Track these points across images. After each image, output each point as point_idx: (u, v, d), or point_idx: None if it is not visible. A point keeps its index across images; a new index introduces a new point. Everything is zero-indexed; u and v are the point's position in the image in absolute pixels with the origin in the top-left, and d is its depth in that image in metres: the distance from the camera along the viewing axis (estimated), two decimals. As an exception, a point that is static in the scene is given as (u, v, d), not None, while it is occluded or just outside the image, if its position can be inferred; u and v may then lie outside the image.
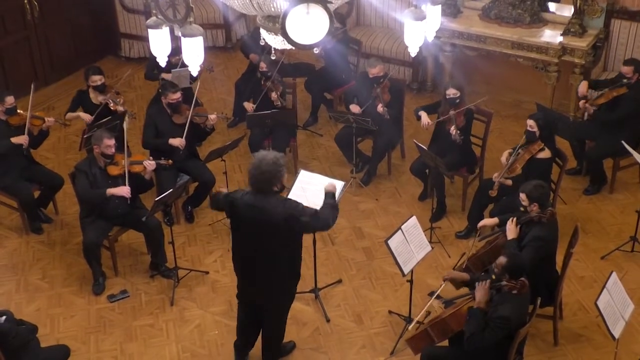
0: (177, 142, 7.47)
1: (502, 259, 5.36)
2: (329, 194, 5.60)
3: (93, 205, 6.82)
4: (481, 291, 5.31)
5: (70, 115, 7.89)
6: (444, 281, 5.94)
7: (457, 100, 7.45)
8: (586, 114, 7.88)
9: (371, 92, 7.99)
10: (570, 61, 8.73)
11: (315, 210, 5.45)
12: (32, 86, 7.53)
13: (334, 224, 5.55)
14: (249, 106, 8.24)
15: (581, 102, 7.76)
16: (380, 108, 7.86)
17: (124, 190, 6.76)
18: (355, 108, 8.05)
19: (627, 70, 7.62)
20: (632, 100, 7.58)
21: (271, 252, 5.49)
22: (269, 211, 5.33)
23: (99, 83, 7.80)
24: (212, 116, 7.63)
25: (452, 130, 7.31)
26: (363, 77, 8.22)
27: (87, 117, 7.74)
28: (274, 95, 8.09)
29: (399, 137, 8.40)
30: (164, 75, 8.19)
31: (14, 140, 7.29)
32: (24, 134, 7.33)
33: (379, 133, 8.00)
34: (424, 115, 7.69)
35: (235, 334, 6.15)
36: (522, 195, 6.00)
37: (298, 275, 5.81)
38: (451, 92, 7.45)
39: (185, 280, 6.99)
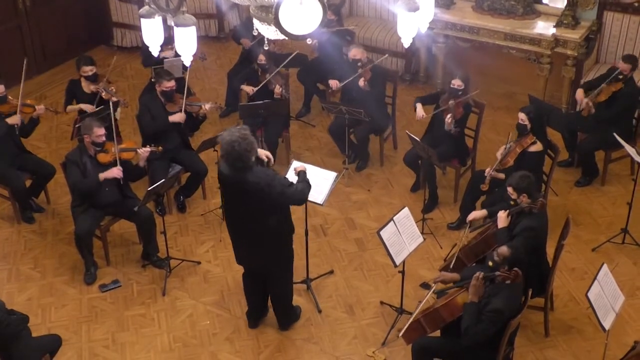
0: (178, 117, 7.48)
1: (504, 250, 5.33)
2: (302, 174, 5.86)
3: (87, 194, 6.80)
4: (476, 287, 5.31)
5: (70, 107, 7.85)
6: (435, 284, 5.92)
7: (460, 92, 7.45)
8: (588, 112, 7.70)
9: (353, 73, 8.01)
10: (563, 53, 8.74)
11: (291, 182, 5.71)
12: (25, 62, 7.55)
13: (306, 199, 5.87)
14: (248, 89, 8.21)
15: (584, 101, 7.61)
16: (361, 82, 7.91)
17: (115, 172, 6.75)
18: (333, 83, 8.15)
19: (624, 67, 7.55)
20: (628, 96, 7.59)
21: (258, 216, 5.66)
22: (249, 180, 5.52)
23: (90, 73, 7.76)
24: (207, 105, 7.61)
25: (448, 119, 7.31)
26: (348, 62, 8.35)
27: (88, 107, 7.69)
28: (277, 89, 8.05)
29: (385, 120, 8.31)
30: (163, 54, 8.11)
31: (9, 120, 7.28)
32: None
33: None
34: (419, 107, 7.67)
35: (246, 306, 6.41)
36: (509, 189, 5.98)
37: (291, 232, 5.96)
38: (456, 83, 7.45)
39: (177, 270, 6.98)
